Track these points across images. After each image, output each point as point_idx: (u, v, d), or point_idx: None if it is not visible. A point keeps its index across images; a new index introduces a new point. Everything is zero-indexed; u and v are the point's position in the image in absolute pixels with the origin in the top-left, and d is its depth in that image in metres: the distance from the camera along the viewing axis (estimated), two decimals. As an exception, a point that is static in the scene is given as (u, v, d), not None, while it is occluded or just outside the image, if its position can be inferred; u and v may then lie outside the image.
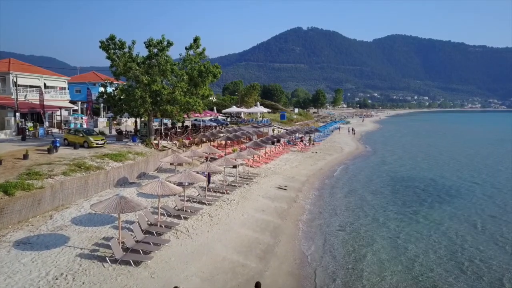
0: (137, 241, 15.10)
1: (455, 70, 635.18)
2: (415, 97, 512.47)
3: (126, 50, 30.59)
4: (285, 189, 27.11)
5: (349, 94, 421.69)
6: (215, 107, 71.22)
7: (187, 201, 21.70)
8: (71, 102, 54.48)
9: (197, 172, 22.89)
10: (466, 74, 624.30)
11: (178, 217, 18.86)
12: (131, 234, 15.49)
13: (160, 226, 17.04)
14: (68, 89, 56.41)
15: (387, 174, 36.27)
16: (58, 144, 27.55)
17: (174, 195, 18.10)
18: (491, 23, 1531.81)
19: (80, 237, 15.78)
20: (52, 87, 52.17)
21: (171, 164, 26.83)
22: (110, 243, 13.63)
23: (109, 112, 52.38)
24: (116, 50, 30.38)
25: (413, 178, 34.69)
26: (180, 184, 20.58)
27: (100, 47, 30.13)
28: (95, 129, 42.52)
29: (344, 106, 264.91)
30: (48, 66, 62.11)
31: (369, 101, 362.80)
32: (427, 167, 40.75)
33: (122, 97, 31.65)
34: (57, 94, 51.58)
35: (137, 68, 30.44)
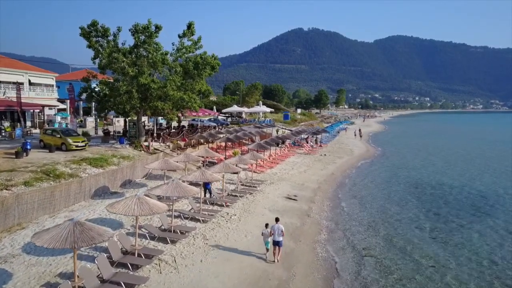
0: (102, 281, 11.03)
1: (456, 71, 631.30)
2: (417, 98, 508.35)
3: (111, 38, 26.53)
4: (295, 200, 23.05)
5: (350, 95, 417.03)
6: (215, 107, 67.24)
7: (177, 217, 17.67)
8: (60, 100, 50.59)
9: (190, 183, 18.94)
10: (468, 75, 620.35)
11: (164, 240, 14.79)
12: (97, 270, 11.46)
13: (138, 255, 12.96)
14: (59, 87, 52.54)
15: (407, 179, 32.16)
16: (29, 147, 23.52)
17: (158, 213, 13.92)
18: (493, 24, 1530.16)
19: (28, 273, 11.72)
20: (38, 84, 48.27)
21: (162, 170, 22.72)
22: (59, 290, 9.57)
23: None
24: (99, 38, 26.32)
25: (437, 184, 30.59)
26: (167, 198, 16.55)
27: (80, 34, 26.09)
28: (82, 129, 38.74)
29: (346, 107, 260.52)
30: (48, 67, 58.61)
31: (371, 102, 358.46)
32: (448, 171, 36.66)
33: (106, 92, 27.61)
34: (43, 92, 47.68)
35: (123, 59, 26.37)
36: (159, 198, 17.82)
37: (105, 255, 12.55)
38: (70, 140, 25.65)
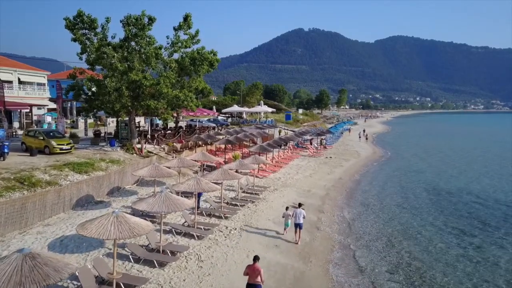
0: (66, 325, 8.67)
1: (457, 71, 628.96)
2: (417, 98, 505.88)
3: (99, 30, 24.18)
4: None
5: (350, 95, 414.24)
6: (214, 107, 64.91)
7: (168, 232, 15.33)
8: (52, 100, 48.35)
9: (181, 194, 16.67)
10: (468, 75, 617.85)
11: (150, 263, 12.43)
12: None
13: (117, 285, 10.59)
14: (53, 86, 50.29)
15: (421, 185, 29.80)
16: (6, 150, 21.25)
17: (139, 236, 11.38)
18: (493, 24, 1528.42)
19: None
20: (29, 83, 46.06)
21: (151, 177, 20.32)
22: None
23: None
24: (86, 31, 23.98)
25: (455, 190, 28.24)
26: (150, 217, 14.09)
27: (65, 26, 23.75)
28: (73, 130, 36.44)
29: (347, 107, 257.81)
30: (47, 67, 56.67)
31: (372, 103, 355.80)
32: (463, 175, 34.31)
33: (93, 90, 25.30)
34: (34, 91, 45.48)
35: (113, 54, 24.02)
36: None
37: (76, 285, 10.22)
38: (53, 143, 23.30)
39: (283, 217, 16.75)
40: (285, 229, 16.44)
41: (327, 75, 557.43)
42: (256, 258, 10.52)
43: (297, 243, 15.62)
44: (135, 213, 16.46)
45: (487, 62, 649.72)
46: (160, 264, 12.45)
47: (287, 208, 16.92)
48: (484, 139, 73.81)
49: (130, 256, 12.72)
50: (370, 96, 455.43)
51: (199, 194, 18.64)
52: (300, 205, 16.78)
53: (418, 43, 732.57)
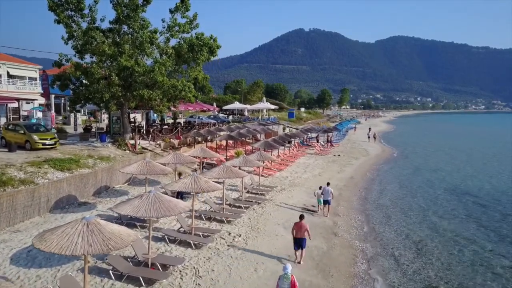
0: None
1: (458, 71, 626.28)
2: (418, 99, 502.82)
3: (86, 11, 21.73)
4: (314, 211, 18.23)
5: (351, 95, 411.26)
6: (215, 103, 62.48)
7: (160, 239, 12.88)
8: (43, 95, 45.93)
9: (175, 195, 14.27)
10: (469, 75, 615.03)
11: (136, 281, 9.94)
12: None
13: (90, 312, 8.14)
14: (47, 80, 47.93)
15: (440, 185, 27.32)
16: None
17: (118, 249, 8.79)
18: (494, 24, 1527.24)
19: None
20: (20, 77, 43.67)
21: (143, 175, 17.79)
22: None
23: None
24: (71, 12, 21.52)
25: (478, 189, 25.82)
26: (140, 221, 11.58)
27: (48, 8, 21.27)
28: (65, 126, 34.01)
29: (348, 107, 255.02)
30: (47, 67, 54.66)
31: (373, 103, 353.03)
32: (481, 174, 31.86)
33: (82, 80, 22.85)
34: (24, 85, 43.02)
35: (103, 40, 21.56)
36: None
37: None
38: (35, 137, 20.86)
39: (315, 195, 18.28)
40: (319, 205, 17.96)
41: (328, 76, 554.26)
42: (301, 217, 12.46)
43: (326, 216, 17.36)
44: (122, 217, 14.04)
45: (488, 62, 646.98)
46: (147, 281, 9.98)
47: (320, 188, 17.94)
48: (487, 139, 71.27)
49: (111, 272, 10.24)
50: (371, 96, 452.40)
51: (181, 194, 16.37)
52: (328, 184, 18.07)
53: (419, 43, 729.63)
